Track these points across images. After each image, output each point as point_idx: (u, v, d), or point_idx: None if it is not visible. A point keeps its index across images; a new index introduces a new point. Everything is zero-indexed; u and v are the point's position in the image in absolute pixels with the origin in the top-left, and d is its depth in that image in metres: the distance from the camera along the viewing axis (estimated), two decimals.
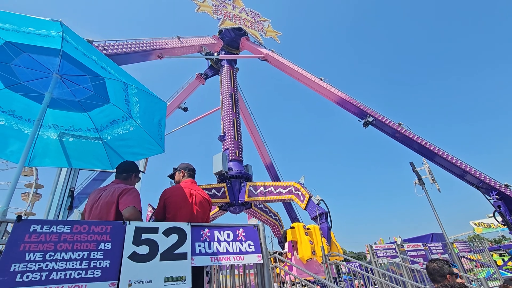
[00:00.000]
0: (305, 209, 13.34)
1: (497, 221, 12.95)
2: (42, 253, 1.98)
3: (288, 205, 23.17)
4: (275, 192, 14.40)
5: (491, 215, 13.65)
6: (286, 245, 9.37)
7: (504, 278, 9.64)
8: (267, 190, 14.56)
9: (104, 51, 10.15)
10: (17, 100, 2.92)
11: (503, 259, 16.01)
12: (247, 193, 14.70)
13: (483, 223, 31.18)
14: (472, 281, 7.03)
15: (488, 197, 12.72)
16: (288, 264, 7.05)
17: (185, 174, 3.34)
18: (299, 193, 13.83)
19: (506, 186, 12.49)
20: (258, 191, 14.64)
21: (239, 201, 14.78)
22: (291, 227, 9.74)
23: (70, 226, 2.16)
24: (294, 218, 22.84)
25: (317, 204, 12.69)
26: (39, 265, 1.94)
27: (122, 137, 3.29)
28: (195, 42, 18.10)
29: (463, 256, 9.95)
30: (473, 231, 32.35)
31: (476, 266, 10.60)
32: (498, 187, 12.48)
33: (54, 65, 2.61)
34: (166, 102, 2.78)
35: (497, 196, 12.42)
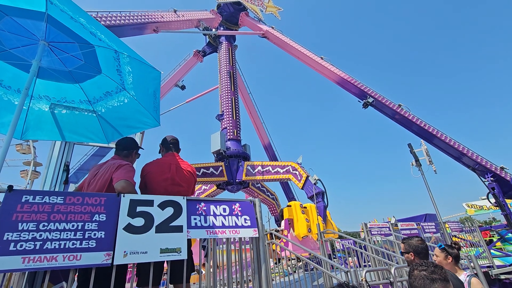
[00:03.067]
0: (302, 189, 13.58)
1: (490, 203, 13.22)
2: (35, 223, 1.96)
3: (285, 185, 23.47)
4: (272, 171, 14.55)
5: (485, 197, 13.90)
6: (282, 222, 9.57)
7: (493, 258, 9.98)
8: (264, 169, 14.68)
9: None
10: (4, 69, 2.79)
11: (492, 239, 16.53)
12: (244, 172, 14.80)
13: (476, 205, 31.82)
14: (462, 258, 7.25)
15: (483, 179, 12.89)
16: (284, 240, 7.23)
17: (164, 149, 3.33)
18: (297, 172, 14.00)
19: (502, 168, 12.61)
20: (256, 170, 14.75)
21: (236, 180, 14.91)
22: (288, 206, 9.91)
23: (63, 197, 2.14)
24: (291, 198, 23.22)
25: (314, 183, 12.87)
26: (33, 234, 1.93)
27: (117, 109, 3.19)
28: (192, 16, 17.43)
29: (455, 236, 10.22)
30: (466, 213, 33.09)
31: (466, 245, 10.92)
32: (493, 169, 12.60)
33: (40, 30, 2.46)
34: (161, 72, 2.67)
35: (492, 178, 12.57)
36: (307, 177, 13.41)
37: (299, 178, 13.75)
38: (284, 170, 14.39)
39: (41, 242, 1.92)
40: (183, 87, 22.79)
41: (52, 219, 2.03)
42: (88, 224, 2.12)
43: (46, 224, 1.99)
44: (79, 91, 3.14)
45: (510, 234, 13.19)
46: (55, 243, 1.96)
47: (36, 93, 3.06)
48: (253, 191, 17.96)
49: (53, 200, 2.09)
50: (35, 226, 1.95)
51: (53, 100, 3.14)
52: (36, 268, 1.87)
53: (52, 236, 1.97)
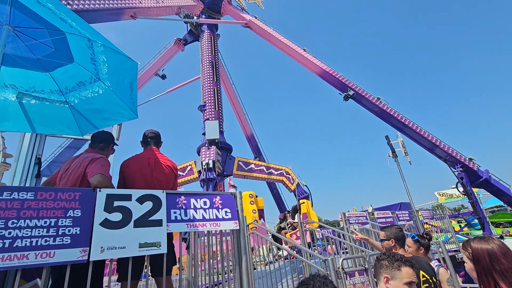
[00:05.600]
0: (292, 191, 15.16)
1: (459, 191, 14.08)
2: (4, 221, 1.88)
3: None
4: (266, 171, 15.50)
5: (454, 186, 14.79)
6: (297, 216, 10.68)
7: (460, 242, 10.71)
8: (258, 168, 15.50)
9: (68, 7, 9.15)
10: None
11: (460, 225, 17.73)
12: (235, 166, 14.79)
13: (446, 194, 33.83)
14: (431, 244, 7.72)
15: (453, 170, 13.67)
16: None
17: (143, 145, 3.27)
18: (290, 176, 15.52)
19: (470, 159, 13.40)
20: (249, 167, 15.25)
21: (224, 173, 14.79)
22: (302, 203, 11.67)
23: (34, 193, 2.05)
24: (273, 189, 23.61)
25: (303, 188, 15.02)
26: (1, 232, 1.85)
27: (91, 100, 3.05)
28: (172, 2, 16.80)
29: (426, 223, 10.83)
30: (437, 201, 35.11)
31: (436, 231, 11.63)
32: (463, 160, 13.37)
33: (4, 14, 2.28)
34: (138, 62, 2.57)
35: (461, 169, 13.36)
36: (298, 182, 15.25)
37: (292, 182, 15.35)
38: (278, 172, 15.67)
39: (11, 240, 1.84)
40: (163, 77, 22.10)
41: (22, 215, 1.94)
42: (62, 220, 2.04)
43: (15, 221, 1.90)
44: (50, 80, 2.97)
45: (475, 220, 14.19)
46: (26, 241, 1.88)
47: (1, 81, 2.87)
48: (222, 185, 18.50)
49: (23, 196, 1.99)
50: (3, 223, 1.86)
51: (20, 89, 2.95)
52: (6, 267, 1.80)
53: (23, 233, 1.89)
